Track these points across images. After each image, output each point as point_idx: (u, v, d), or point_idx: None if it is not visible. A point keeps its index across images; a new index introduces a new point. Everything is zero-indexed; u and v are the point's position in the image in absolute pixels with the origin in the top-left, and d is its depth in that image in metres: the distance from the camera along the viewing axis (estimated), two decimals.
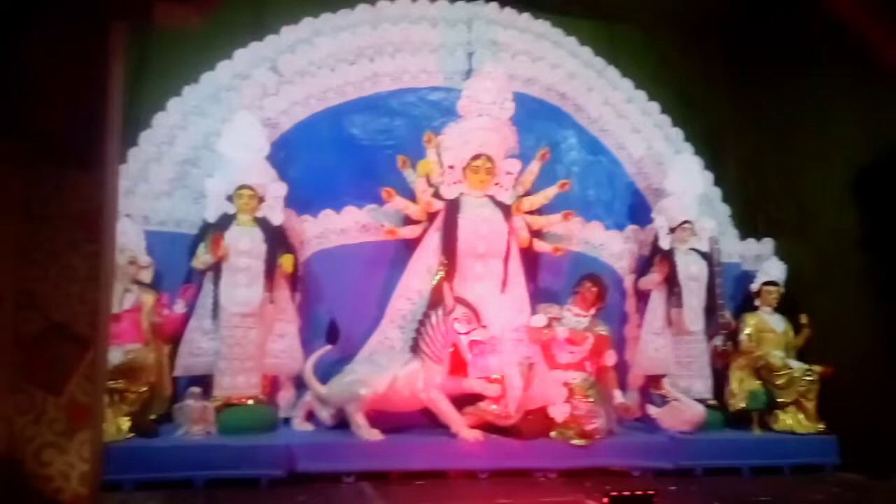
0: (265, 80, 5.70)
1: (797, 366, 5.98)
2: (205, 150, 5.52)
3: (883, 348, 5.68)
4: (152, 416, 4.81)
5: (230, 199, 5.12)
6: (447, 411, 5.00)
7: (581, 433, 5.15)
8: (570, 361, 5.48)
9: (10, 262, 2.75)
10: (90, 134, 2.97)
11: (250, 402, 4.93)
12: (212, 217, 5.08)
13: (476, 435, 4.95)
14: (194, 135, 5.56)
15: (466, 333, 5.06)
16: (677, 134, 6.80)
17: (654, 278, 5.99)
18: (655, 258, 6.02)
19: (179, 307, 4.96)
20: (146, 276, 5.08)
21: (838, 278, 6.12)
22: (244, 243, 5.00)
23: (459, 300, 5.12)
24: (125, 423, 4.58)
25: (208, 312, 4.99)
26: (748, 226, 6.91)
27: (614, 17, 7.14)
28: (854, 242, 6.00)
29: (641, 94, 6.79)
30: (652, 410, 5.69)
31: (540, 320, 5.38)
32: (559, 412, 5.24)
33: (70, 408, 2.80)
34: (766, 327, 6.21)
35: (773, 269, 6.36)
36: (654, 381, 5.97)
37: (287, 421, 5.13)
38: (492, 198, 5.59)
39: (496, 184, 5.63)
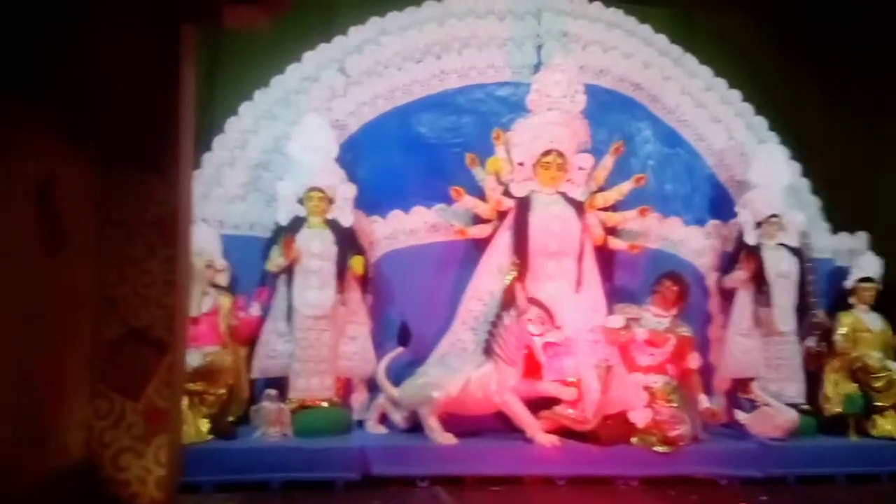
0: (333, 81, 5.70)
1: None
2: (276, 154, 5.56)
3: None
4: (231, 418, 4.86)
5: (301, 201, 5.13)
6: (522, 415, 4.87)
7: (664, 439, 4.95)
8: (651, 364, 5.25)
9: (88, 268, 2.78)
10: (164, 138, 2.99)
11: (324, 404, 4.93)
12: (284, 220, 5.11)
13: (552, 440, 4.80)
14: (265, 138, 5.61)
15: (540, 335, 4.93)
16: (761, 123, 6.43)
17: (739, 276, 5.68)
18: (741, 254, 5.70)
19: (255, 310, 5.02)
20: (223, 279, 5.15)
21: None
22: (315, 245, 5.01)
23: (532, 300, 4.99)
24: (205, 424, 4.64)
25: (282, 315, 5.02)
26: (840, 219, 6.48)
27: (691, 3, 6.83)
28: None
29: (721, 82, 6.45)
30: (740, 416, 5.41)
31: (617, 321, 5.17)
32: (640, 417, 5.03)
33: (148, 412, 2.82)
34: (863, 326, 5.83)
35: (868, 265, 5.96)
36: (741, 384, 5.68)
37: (361, 423, 5.11)
38: (563, 195, 5.42)
39: (568, 180, 5.46)
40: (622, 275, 5.74)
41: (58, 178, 2.38)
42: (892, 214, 6.17)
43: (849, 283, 5.97)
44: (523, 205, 5.31)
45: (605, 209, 5.57)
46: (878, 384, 5.56)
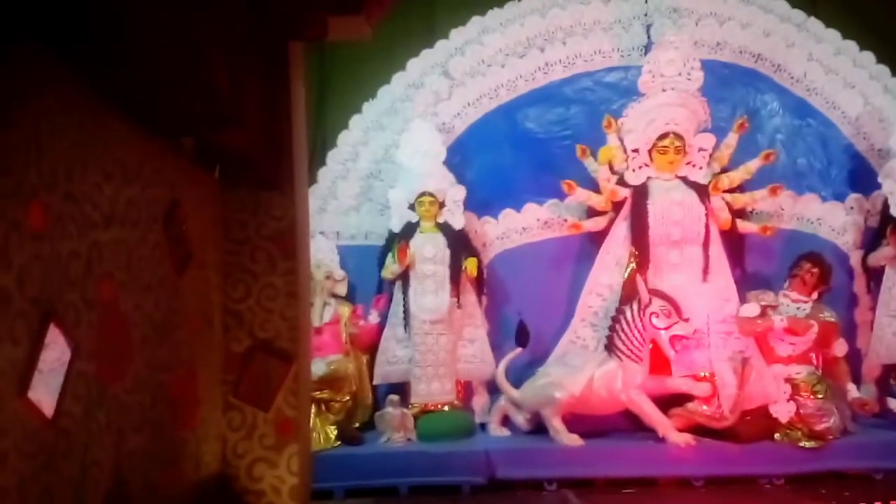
0: (437, 85, 5.70)
1: None
2: (385, 163, 5.64)
3: None
4: (356, 424, 4.98)
5: (412, 207, 5.18)
6: (651, 413, 4.66)
7: (810, 434, 4.64)
8: (792, 354, 4.90)
9: (215, 285, 2.91)
10: (279, 156, 3.08)
11: (446, 408, 4.96)
12: (396, 227, 5.19)
13: (687, 438, 4.58)
14: (375, 148, 5.71)
15: (666, 328, 4.71)
16: None
17: (887, 252, 5.18)
18: (888, 229, 5.19)
19: (374, 317, 5.12)
20: (342, 289, 5.28)
21: None
22: (428, 250, 5.04)
23: (655, 292, 4.77)
24: (332, 431, 4.76)
25: (400, 321, 5.09)
26: None
27: None
28: None
29: (852, 45, 5.90)
30: (893, 404, 4.95)
31: (752, 309, 4.86)
32: (783, 411, 4.73)
33: (278, 422, 2.92)
34: None
35: None
36: (894, 370, 5.18)
37: (483, 426, 5.09)
38: (684, 179, 5.14)
39: (688, 163, 5.18)
40: (754, 260, 5.38)
41: (183, 201, 2.50)
42: None
43: None
44: (640, 193, 5.09)
45: (731, 191, 5.23)
46: None
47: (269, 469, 2.86)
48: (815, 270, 4.98)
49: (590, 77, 5.73)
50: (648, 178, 5.15)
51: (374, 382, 5.15)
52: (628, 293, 4.87)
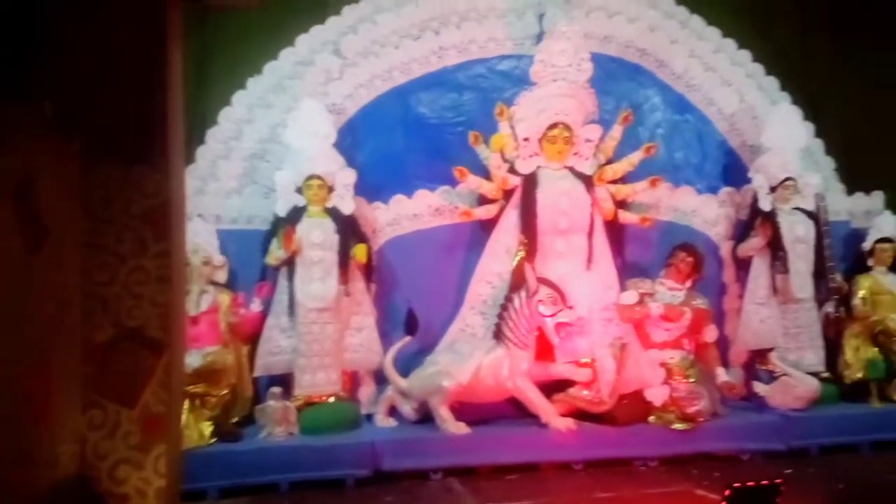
0: (328, 64, 5.49)
1: None
2: (272, 143, 5.39)
3: None
4: (234, 419, 4.74)
5: (300, 190, 4.98)
6: (536, 400, 4.74)
7: (682, 416, 4.86)
8: (667, 339, 5.12)
9: (74, 267, 2.63)
10: (152, 127, 2.81)
11: (331, 399, 4.81)
12: (282, 211, 4.96)
13: (568, 423, 4.70)
14: (261, 128, 5.44)
15: (552, 316, 4.78)
16: (772, 83, 6.21)
17: (755, 243, 5.52)
18: (756, 221, 5.53)
19: (255, 305, 4.88)
20: (221, 276, 5.01)
21: None
22: (316, 235, 4.86)
23: (543, 281, 4.83)
24: (207, 428, 4.50)
25: (284, 309, 4.88)
26: (856, 179, 6.28)
27: None
28: None
29: (730, 43, 6.21)
30: (759, 388, 5.29)
31: (631, 297, 5.04)
32: (657, 395, 4.93)
33: (145, 419, 2.68)
34: (882, 289, 5.71)
35: (886, 225, 5.82)
36: (759, 355, 5.55)
37: (369, 417, 4.99)
38: (571, 169, 5.23)
39: (575, 153, 5.27)
40: (634, 249, 5.57)
41: (40, 174, 2.23)
42: None
43: (867, 244, 5.80)
44: (530, 182, 5.13)
45: (615, 182, 5.38)
46: None
47: (134, 471, 2.62)
48: (690, 260, 5.22)
49: (483, 64, 5.71)
50: (538, 167, 5.19)
51: (255, 374, 4.91)
52: (517, 281, 4.91)
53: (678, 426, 4.81)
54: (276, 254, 4.88)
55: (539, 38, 5.66)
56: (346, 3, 5.70)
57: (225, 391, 4.66)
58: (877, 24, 6.15)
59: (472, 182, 5.14)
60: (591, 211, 5.18)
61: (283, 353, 4.88)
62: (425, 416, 4.78)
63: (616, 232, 5.44)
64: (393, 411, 4.94)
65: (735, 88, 6.13)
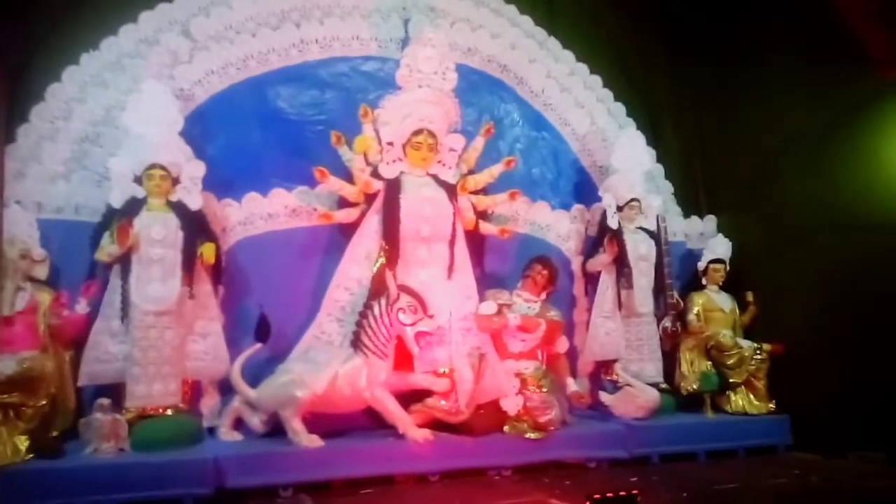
0: (176, 45, 5.07)
1: (746, 344, 5.90)
2: (107, 126, 4.88)
3: (829, 323, 5.64)
4: (55, 433, 4.21)
5: (139, 180, 4.50)
6: (393, 410, 4.58)
7: (535, 426, 4.90)
8: (522, 350, 5.17)
9: None
10: None
11: (169, 412, 4.36)
12: (117, 202, 4.45)
13: (425, 434, 4.57)
14: (94, 108, 4.91)
15: (412, 324, 4.64)
16: (620, 109, 6.58)
17: (603, 259, 5.74)
18: (604, 238, 5.76)
19: (82, 307, 4.33)
20: (41, 271, 4.44)
21: (784, 254, 6.07)
22: (157, 231, 4.40)
23: (403, 288, 4.70)
24: (23, 442, 3.98)
25: (116, 312, 4.37)
26: (691, 203, 6.79)
27: None
28: (800, 217, 5.96)
29: (583, 67, 6.52)
30: (604, 397, 5.48)
31: (490, 307, 5.02)
32: (512, 405, 4.94)
33: None
34: (714, 306, 6.12)
35: (718, 247, 6.26)
36: (604, 366, 5.77)
37: (212, 431, 4.58)
38: (435, 177, 5.17)
39: (439, 161, 5.22)
40: (492, 260, 5.62)
41: None
42: (738, 199, 6.52)
43: (701, 264, 6.23)
44: (393, 187, 5.00)
45: (476, 192, 5.38)
46: (730, 361, 5.82)
47: None
48: (545, 272, 5.32)
49: (347, 62, 5.55)
50: (402, 172, 5.08)
51: (80, 384, 4.35)
52: (377, 288, 4.75)
53: (531, 435, 4.84)
54: (108, 249, 4.36)
55: (404, 42, 5.61)
56: None
57: (43, 401, 4.15)
58: (711, 56, 6.67)
59: (333, 183, 4.91)
60: (454, 220, 5.13)
61: (113, 360, 4.36)
62: (275, 429, 4.46)
63: (476, 242, 5.44)
64: (239, 424, 4.56)
65: (587, 111, 6.43)
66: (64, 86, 4.87)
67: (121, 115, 4.68)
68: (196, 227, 4.54)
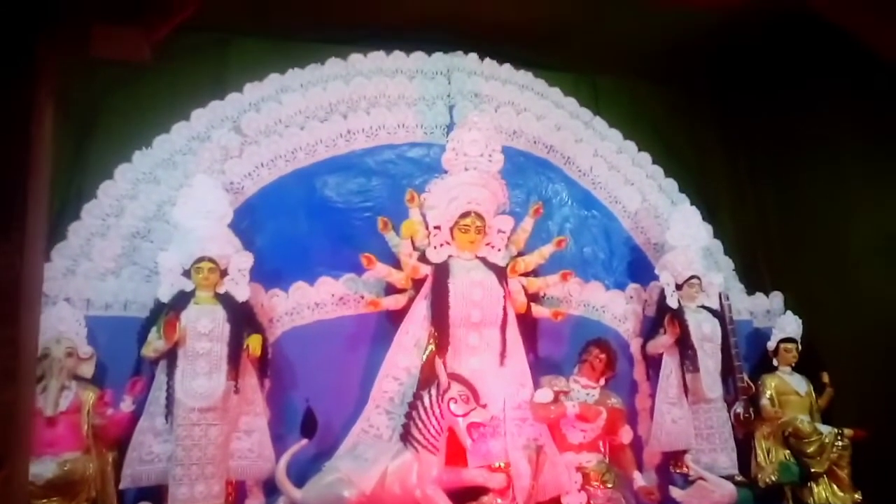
0: (227, 141, 5.15)
1: (826, 430, 5.44)
2: (157, 221, 4.91)
3: None
4: None
5: (187, 274, 4.47)
6: None
7: None
8: (583, 441, 4.83)
9: None
10: (7, 191, 2.36)
11: None
12: (165, 296, 4.41)
13: None
14: (146, 204, 4.96)
15: (464, 415, 4.38)
16: (671, 185, 6.41)
17: (664, 340, 5.43)
18: (664, 318, 5.47)
19: (126, 405, 4.23)
20: (87, 369, 4.38)
21: (858, 330, 5.69)
22: (204, 324, 4.32)
23: (454, 377, 4.48)
24: None
25: (161, 409, 4.25)
26: (754, 279, 6.47)
27: (593, 69, 6.85)
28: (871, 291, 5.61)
29: (631, 145, 6.41)
30: (676, 493, 5.06)
31: (546, 395, 4.74)
32: (574, 502, 4.56)
33: None
34: (788, 389, 5.71)
35: (788, 325, 5.89)
36: (673, 458, 5.37)
37: None
38: (483, 259, 5.02)
39: (488, 244, 5.08)
40: (546, 344, 5.35)
41: None
42: (806, 274, 6.20)
43: (771, 344, 5.86)
44: (441, 271, 4.85)
45: (526, 274, 5.20)
46: (810, 449, 5.37)
47: None
48: (603, 356, 5.03)
49: (393, 150, 5.55)
50: (450, 256, 4.95)
51: (121, 486, 4.18)
52: (426, 377, 4.55)
53: None
54: (154, 345, 4.28)
55: (449, 128, 5.59)
56: (248, 81, 5.46)
57: None
58: (766, 136, 6.53)
59: (380, 270, 4.80)
60: (505, 303, 4.93)
61: (156, 460, 4.20)
62: None
63: (528, 326, 5.21)
64: None
65: (637, 188, 6.26)
66: (116, 183, 4.95)
67: (171, 211, 4.70)
68: (243, 319, 4.45)
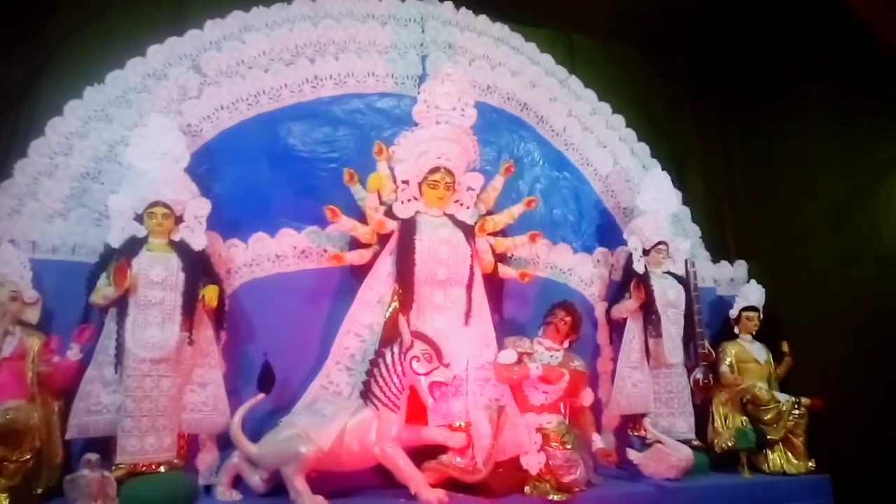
0: (185, 80, 4.89)
1: (784, 398, 5.51)
2: (109, 162, 4.67)
3: (870, 376, 5.28)
4: (38, 491, 3.91)
5: (139, 218, 4.26)
6: (405, 468, 4.21)
7: (558, 486, 4.50)
8: (545, 403, 4.79)
9: None
10: None
11: (162, 468, 4.01)
12: (116, 241, 4.19)
13: (439, 495, 4.17)
14: (97, 144, 4.70)
15: (426, 374, 4.30)
16: (644, 149, 6.34)
17: (629, 305, 5.42)
18: (630, 283, 5.44)
19: (74, 353, 4.03)
20: (32, 315, 4.16)
21: (821, 302, 5.74)
22: (157, 272, 4.13)
23: (417, 335, 4.38)
24: (4, 500, 3.71)
25: (110, 359, 4.07)
26: (720, 247, 6.49)
27: (570, 26, 6.68)
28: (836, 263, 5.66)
29: (606, 107, 6.32)
30: (633, 455, 5.08)
31: (509, 356, 4.67)
32: (533, 463, 4.55)
33: None
34: (748, 357, 5.76)
35: (751, 294, 5.91)
36: (632, 421, 5.41)
37: (209, 489, 4.23)
38: (452, 217, 4.90)
39: (456, 201, 4.96)
40: (511, 305, 5.30)
41: None
42: (771, 244, 6.22)
43: (733, 312, 5.89)
44: (408, 227, 4.72)
45: (495, 234, 5.10)
46: (767, 416, 5.44)
47: None
48: (568, 319, 4.98)
49: (361, 99, 5.34)
50: (417, 212, 4.82)
51: (67, 436, 4.02)
52: (389, 334, 4.44)
53: (554, 496, 4.45)
54: (104, 291, 4.08)
55: (421, 79, 5.41)
56: (209, 18, 5.18)
57: (27, 456, 3.86)
58: (739, 103, 6.48)
59: (345, 223, 4.64)
60: (472, 262, 4.83)
61: (104, 411, 4.04)
62: (276, 488, 4.11)
63: (494, 286, 5.13)
64: (238, 482, 4.21)
65: (610, 151, 6.19)
66: (66, 120, 4.68)
67: (124, 151, 4.47)
68: (199, 268, 4.26)
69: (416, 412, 4.43)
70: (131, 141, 4.41)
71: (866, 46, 5.11)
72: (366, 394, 4.30)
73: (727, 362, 5.66)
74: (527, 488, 4.50)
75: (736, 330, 5.86)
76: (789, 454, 5.41)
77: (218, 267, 4.48)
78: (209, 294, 4.22)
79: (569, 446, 4.68)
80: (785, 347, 5.81)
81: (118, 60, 4.90)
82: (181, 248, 4.25)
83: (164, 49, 4.98)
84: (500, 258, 5.15)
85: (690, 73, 7.01)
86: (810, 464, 5.35)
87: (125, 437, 3.97)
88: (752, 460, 5.37)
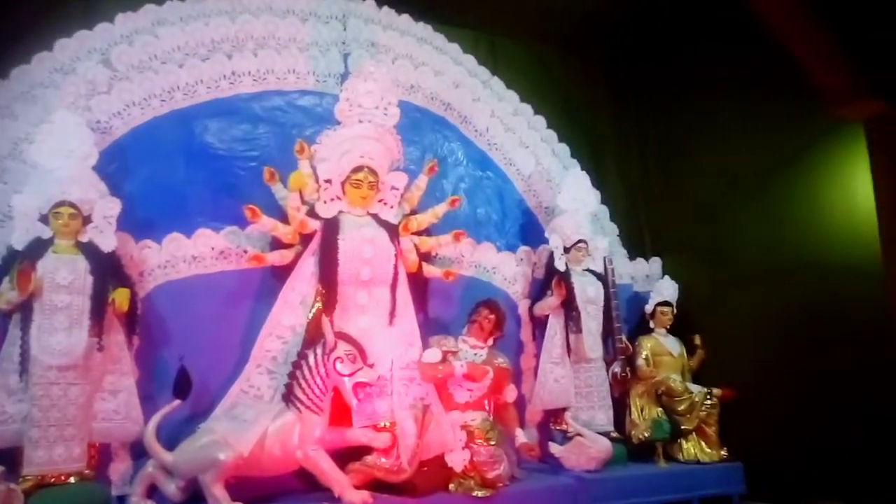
0: (94, 75, 4.68)
1: (697, 389, 5.75)
2: (12, 161, 4.42)
3: (780, 367, 5.58)
4: None
5: (45, 219, 4.06)
6: (328, 471, 4.16)
7: (483, 482, 4.54)
8: (469, 400, 4.84)
9: None
10: None
11: (72, 479, 3.84)
12: (19, 243, 3.99)
13: (364, 496, 4.14)
14: (0, 141, 4.44)
15: (350, 375, 4.26)
16: (564, 150, 6.48)
17: (551, 302, 5.53)
18: (552, 281, 5.56)
19: None
20: None
21: (731, 296, 6.02)
22: (63, 275, 3.95)
23: (341, 335, 4.34)
24: None
25: (14, 366, 3.87)
26: (636, 245, 6.71)
27: (490, 28, 6.76)
28: (746, 258, 5.94)
29: (527, 108, 6.42)
30: (554, 449, 5.23)
31: (434, 355, 4.70)
32: (458, 460, 4.59)
33: None
34: (663, 350, 5.98)
35: (665, 289, 6.14)
36: (553, 415, 5.53)
37: (122, 500, 4.08)
38: (375, 216, 4.88)
39: (380, 200, 4.94)
40: (436, 304, 5.31)
41: None
42: (684, 239, 6.48)
43: (649, 307, 6.10)
44: (331, 227, 4.67)
45: (419, 233, 5.11)
46: (681, 407, 5.66)
47: None
48: (492, 317, 5.05)
49: (282, 97, 5.24)
50: (340, 211, 4.78)
51: None
52: (312, 336, 4.39)
53: (479, 493, 4.49)
54: (7, 296, 3.87)
55: (344, 77, 5.35)
56: (120, 11, 4.98)
57: None
58: (656, 103, 6.71)
59: (266, 223, 4.55)
60: (396, 262, 4.83)
61: (9, 421, 3.84)
62: (194, 497, 3.99)
63: (419, 286, 5.14)
64: (153, 492, 4.06)
65: (532, 151, 6.30)
66: None
67: (28, 149, 4.25)
68: (108, 271, 4.09)
69: (340, 414, 4.40)
70: (36, 138, 4.21)
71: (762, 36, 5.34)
72: (288, 396, 4.23)
73: (643, 356, 5.86)
74: (451, 486, 4.53)
75: (651, 324, 6.08)
76: (703, 443, 5.64)
77: (130, 269, 4.32)
78: (119, 297, 4.06)
79: (493, 442, 4.73)
80: (697, 340, 6.06)
81: (24, 56, 4.64)
82: (89, 250, 4.08)
83: (72, 43, 4.76)
84: (425, 257, 5.16)
85: (608, 71, 7.21)
86: (723, 452, 5.58)
87: (32, 448, 3.78)
88: (667, 450, 5.57)
